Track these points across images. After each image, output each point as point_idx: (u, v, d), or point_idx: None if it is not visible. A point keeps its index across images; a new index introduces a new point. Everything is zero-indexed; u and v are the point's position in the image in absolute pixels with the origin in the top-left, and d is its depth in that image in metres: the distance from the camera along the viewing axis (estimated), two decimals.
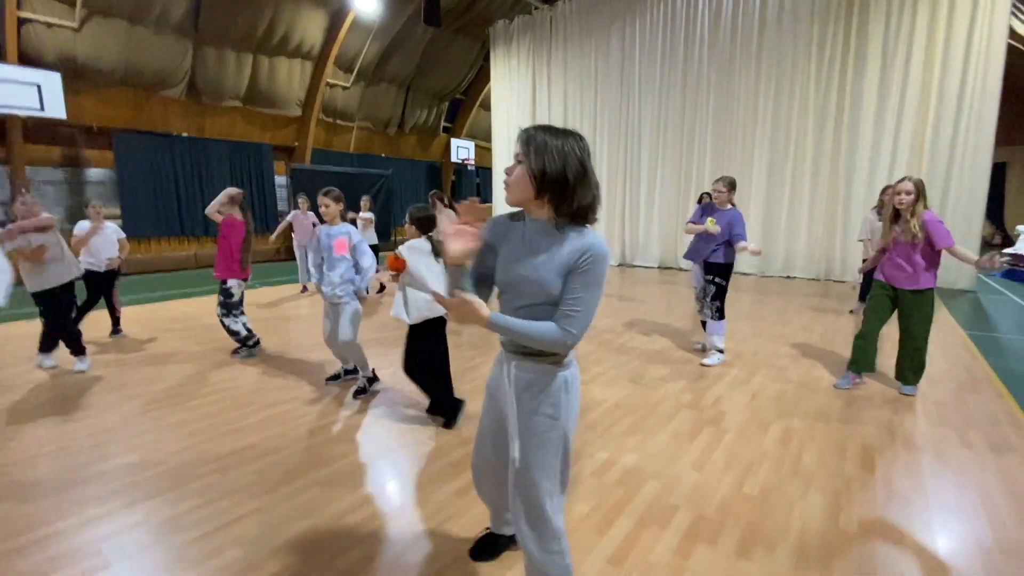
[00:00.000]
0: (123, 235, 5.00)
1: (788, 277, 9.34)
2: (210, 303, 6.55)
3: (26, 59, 8.31)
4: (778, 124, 9.26)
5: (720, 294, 4.23)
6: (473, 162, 17.31)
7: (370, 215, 7.56)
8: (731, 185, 4.14)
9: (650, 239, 11.09)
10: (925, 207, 3.28)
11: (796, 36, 8.91)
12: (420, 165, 16.51)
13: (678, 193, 10.52)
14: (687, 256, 4.54)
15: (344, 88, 12.86)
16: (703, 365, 4.23)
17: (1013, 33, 8.11)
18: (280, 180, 12.82)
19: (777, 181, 9.38)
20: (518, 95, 12.92)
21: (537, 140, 1.30)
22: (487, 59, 14.05)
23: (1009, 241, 14.86)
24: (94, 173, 9.96)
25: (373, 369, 3.72)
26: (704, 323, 4.52)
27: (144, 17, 9.15)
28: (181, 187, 10.95)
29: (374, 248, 7.20)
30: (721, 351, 4.35)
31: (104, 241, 4.81)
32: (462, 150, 16.78)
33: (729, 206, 4.16)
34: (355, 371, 3.85)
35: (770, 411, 3.29)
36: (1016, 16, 8.79)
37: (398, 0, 11.71)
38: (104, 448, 2.81)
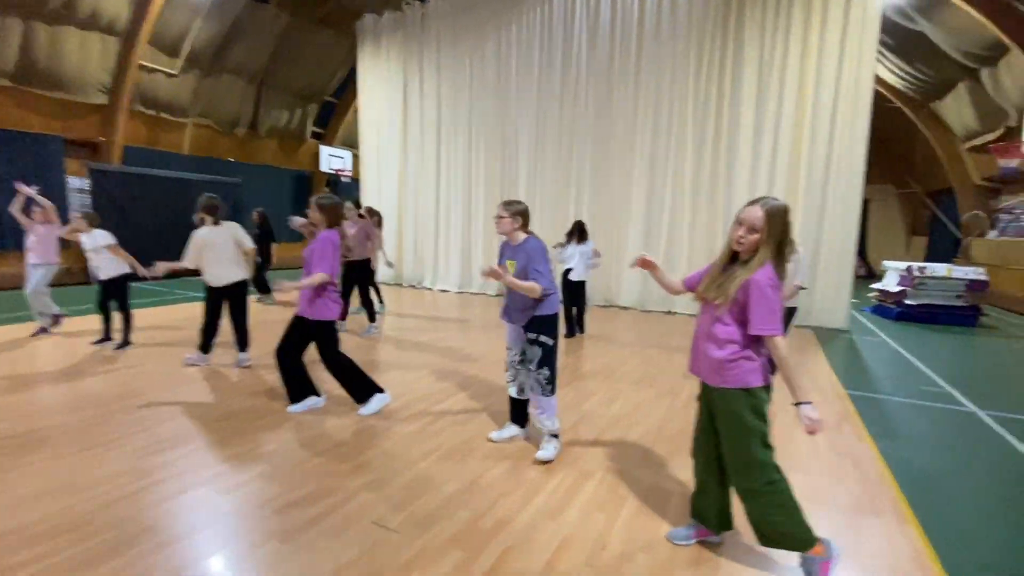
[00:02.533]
0: None
1: (669, 312, 8.52)
2: None
3: None
4: (657, 144, 8.52)
5: (549, 358, 2.96)
6: (350, 174, 15.45)
7: (99, 236, 4.81)
8: (520, 211, 3.01)
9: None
10: (774, 255, 1.88)
11: (675, 52, 8.26)
12: (284, 174, 14.36)
13: (555, 214, 9.46)
14: (504, 316, 3.19)
15: (169, 75, 10.57)
16: (538, 461, 2.94)
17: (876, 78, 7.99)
18: (79, 183, 10.15)
19: (657, 205, 8.61)
20: (389, 99, 11.38)
21: None
22: None
23: (872, 272, 15.67)
24: None
25: None
26: (516, 400, 3.24)
27: None
28: None
29: (123, 279, 5.05)
30: (557, 435, 3.06)
31: None
32: (335, 160, 14.89)
33: (523, 236, 3.01)
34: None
35: None
36: (880, 61, 8.84)
37: None
38: None
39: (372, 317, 6.20)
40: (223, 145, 12.54)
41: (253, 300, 8.60)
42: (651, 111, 8.49)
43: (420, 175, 11.09)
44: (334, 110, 14.84)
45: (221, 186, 11.79)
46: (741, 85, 7.85)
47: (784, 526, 1.93)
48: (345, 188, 16.33)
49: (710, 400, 2.06)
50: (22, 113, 9.16)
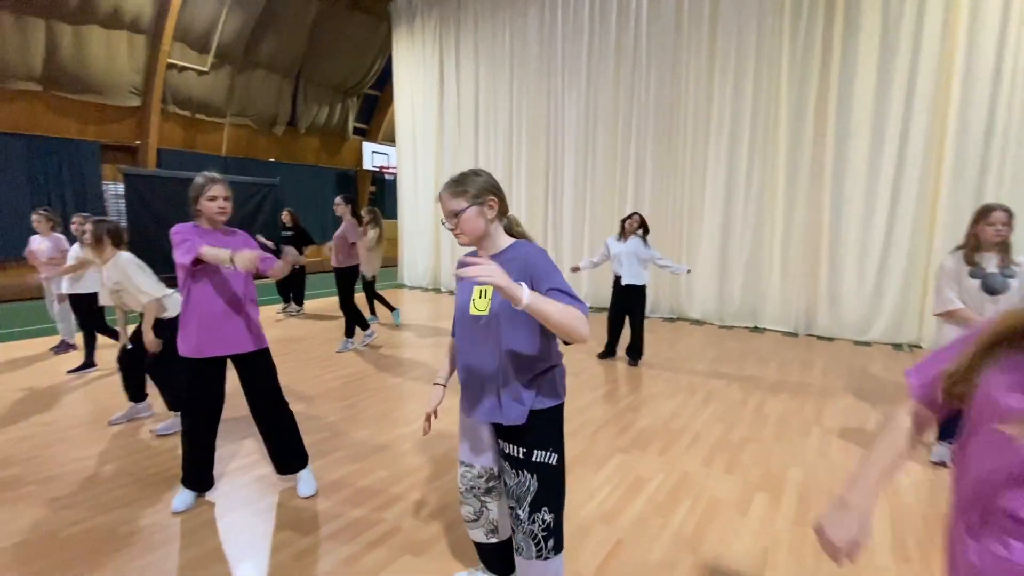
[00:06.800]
0: None
1: (755, 329, 6.74)
2: None
3: None
4: (739, 119, 6.74)
5: (553, 488, 1.52)
6: (395, 171, 14.67)
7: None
8: (486, 187, 1.50)
9: (581, 275, 8.39)
10: None
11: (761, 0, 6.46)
12: (327, 173, 13.80)
13: (612, 211, 7.94)
14: (468, 409, 1.59)
15: (200, 73, 10.14)
16: None
17: None
18: (116, 188, 9.98)
19: (738, 196, 6.84)
20: (424, 84, 10.34)
21: None
22: None
23: None
24: None
25: None
26: (486, 545, 1.75)
27: None
28: None
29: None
30: None
31: None
32: (379, 156, 14.15)
33: (507, 241, 1.57)
34: None
35: None
36: None
37: None
38: None
39: (350, 331, 5.53)
40: (262, 145, 12.11)
41: (276, 311, 7.79)
42: (731, 78, 6.73)
43: (457, 166, 9.96)
44: (376, 104, 14.08)
45: (259, 188, 11.33)
46: (857, 32, 5.92)
47: None
48: (391, 186, 15.63)
49: None
50: (56, 120, 9.01)
